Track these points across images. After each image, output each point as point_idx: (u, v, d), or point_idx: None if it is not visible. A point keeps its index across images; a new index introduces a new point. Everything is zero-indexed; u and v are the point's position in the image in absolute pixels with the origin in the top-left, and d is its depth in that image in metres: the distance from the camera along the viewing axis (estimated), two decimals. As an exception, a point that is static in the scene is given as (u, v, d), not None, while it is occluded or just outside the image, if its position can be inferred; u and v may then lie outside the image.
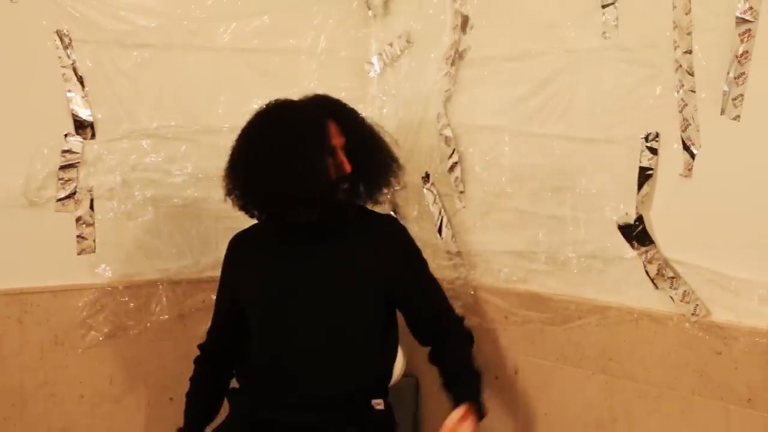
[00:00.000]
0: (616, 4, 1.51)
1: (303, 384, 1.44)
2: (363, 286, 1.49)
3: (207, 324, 1.84)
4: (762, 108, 1.30)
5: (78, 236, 1.71)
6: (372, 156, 1.49)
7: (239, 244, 1.59)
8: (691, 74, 1.38)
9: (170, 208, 1.81)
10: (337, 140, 1.44)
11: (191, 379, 1.57)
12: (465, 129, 1.84)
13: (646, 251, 1.47)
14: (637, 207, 1.49)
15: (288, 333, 1.46)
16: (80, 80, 1.69)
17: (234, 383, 1.56)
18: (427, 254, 1.58)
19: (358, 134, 1.48)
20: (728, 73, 1.33)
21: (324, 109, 1.47)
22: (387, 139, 1.56)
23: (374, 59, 2.06)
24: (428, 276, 1.56)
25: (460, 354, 1.52)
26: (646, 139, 1.46)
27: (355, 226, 1.51)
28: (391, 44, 2.02)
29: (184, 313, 1.84)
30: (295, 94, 1.89)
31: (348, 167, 1.42)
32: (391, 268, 1.49)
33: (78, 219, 1.71)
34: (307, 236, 1.50)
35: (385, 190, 1.55)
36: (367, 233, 1.52)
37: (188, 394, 1.56)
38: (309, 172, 1.38)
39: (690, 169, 1.41)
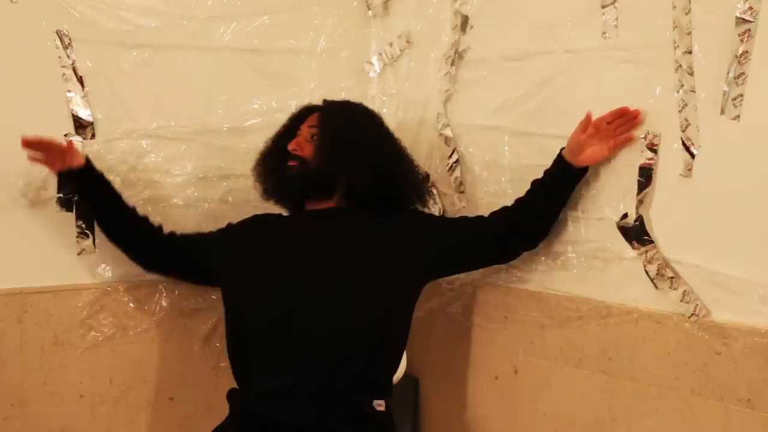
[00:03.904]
0: (616, 4, 1.51)
1: (304, 380, 1.43)
2: (377, 277, 1.49)
3: (207, 324, 1.85)
4: (762, 108, 1.31)
5: (78, 236, 1.71)
6: (331, 151, 1.55)
7: (254, 221, 1.67)
8: (691, 74, 1.38)
9: (170, 208, 1.80)
10: (305, 128, 1.59)
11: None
12: (465, 129, 1.84)
13: (646, 251, 1.47)
14: (637, 207, 1.49)
15: (290, 326, 1.45)
16: (80, 80, 1.69)
17: (233, 383, 1.56)
18: (427, 254, 1.59)
19: (331, 129, 1.57)
20: (728, 73, 1.33)
21: (321, 103, 1.65)
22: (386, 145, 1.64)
23: (374, 59, 2.06)
24: (451, 217, 1.74)
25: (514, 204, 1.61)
26: (646, 139, 1.46)
27: (368, 217, 1.56)
28: (391, 44, 2.02)
29: (184, 313, 1.83)
30: (295, 94, 1.90)
31: (291, 146, 1.57)
32: (418, 234, 1.55)
33: (78, 219, 1.71)
34: (316, 226, 1.55)
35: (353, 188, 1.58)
36: (379, 223, 1.56)
37: None
38: (268, 145, 1.65)
39: (690, 169, 1.41)
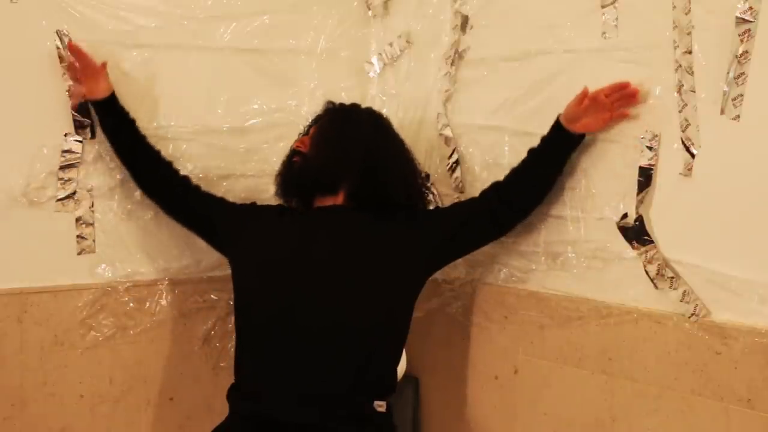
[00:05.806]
0: (616, 4, 1.51)
1: (305, 379, 1.43)
2: (380, 276, 1.49)
3: (207, 324, 1.86)
4: (762, 108, 1.31)
5: (78, 236, 1.71)
6: (321, 149, 1.60)
7: (275, 209, 1.68)
8: (691, 74, 1.39)
9: (170, 208, 1.80)
10: (313, 129, 1.65)
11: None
12: (465, 129, 1.84)
13: (646, 251, 1.47)
14: (637, 207, 1.49)
15: (291, 324, 1.45)
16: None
17: (232, 379, 1.56)
18: (427, 254, 1.59)
19: (325, 129, 1.63)
20: (728, 73, 1.33)
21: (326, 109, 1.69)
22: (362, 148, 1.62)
23: (374, 59, 2.06)
24: (445, 207, 1.77)
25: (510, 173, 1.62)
26: (646, 138, 1.46)
27: (371, 215, 1.55)
28: (391, 44, 2.02)
29: (184, 313, 1.83)
30: (295, 94, 1.89)
31: (296, 143, 1.65)
32: (421, 233, 1.56)
33: (78, 219, 1.71)
34: (321, 222, 1.55)
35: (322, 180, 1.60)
36: (382, 222, 1.56)
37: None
38: None
39: (690, 169, 1.41)
